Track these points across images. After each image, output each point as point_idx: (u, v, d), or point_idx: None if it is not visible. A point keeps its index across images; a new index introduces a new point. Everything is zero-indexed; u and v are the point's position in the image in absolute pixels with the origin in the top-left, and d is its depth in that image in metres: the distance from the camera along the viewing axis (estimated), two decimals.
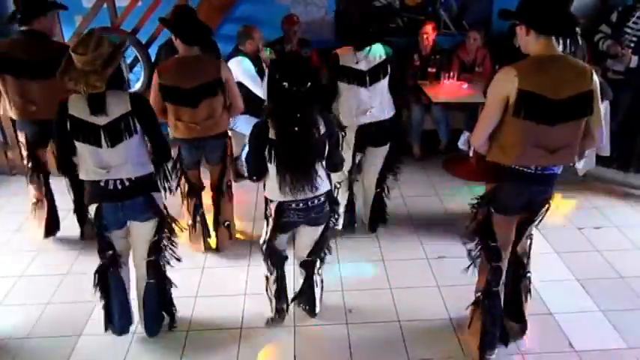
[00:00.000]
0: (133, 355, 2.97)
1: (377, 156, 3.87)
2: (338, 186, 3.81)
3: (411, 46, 5.32)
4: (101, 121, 2.54)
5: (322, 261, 3.11)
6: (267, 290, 3.11)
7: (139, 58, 4.75)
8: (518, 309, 2.98)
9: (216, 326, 3.15)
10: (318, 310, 3.20)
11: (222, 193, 3.76)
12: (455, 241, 3.74)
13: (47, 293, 3.43)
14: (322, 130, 2.62)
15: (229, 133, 3.83)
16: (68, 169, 2.77)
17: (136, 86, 4.74)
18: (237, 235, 4.04)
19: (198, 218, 3.77)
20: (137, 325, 3.12)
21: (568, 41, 3.16)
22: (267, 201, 2.81)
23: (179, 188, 3.71)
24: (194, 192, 3.70)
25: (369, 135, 3.72)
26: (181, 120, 3.40)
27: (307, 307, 3.20)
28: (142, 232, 2.83)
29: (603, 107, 4.47)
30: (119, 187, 2.65)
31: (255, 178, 2.77)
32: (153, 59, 4.76)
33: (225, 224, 3.85)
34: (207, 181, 3.82)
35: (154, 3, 4.75)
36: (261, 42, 4.47)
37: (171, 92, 3.35)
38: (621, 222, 4.18)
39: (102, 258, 2.85)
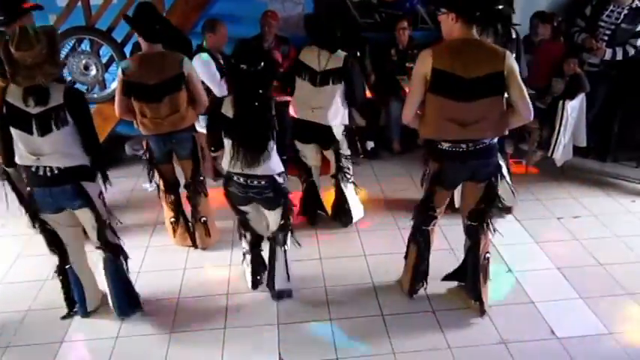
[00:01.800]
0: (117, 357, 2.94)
1: (328, 154, 3.96)
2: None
3: (389, 41, 5.33)
4: (34, 109, 2.66)
5: (284, 240, 3.22)
6: (243, 263, 3.39)
7: (115, 57, 4.68)
8: (476, 288, 3.09)
9: (199, 326, 3.12)
10: (277, 286, 3.26)
11: (195, 190, 3.75)
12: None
13: (27, 299, 3.37)
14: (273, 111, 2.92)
15: (198, 129, 3.81)
16: (12, 160, 2.84)
17: (113, 85, 4.66)
18: (215, 237, 3.97)
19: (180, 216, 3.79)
20: (120, 329, 3.09)
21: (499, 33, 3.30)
22: (216, 159, 3.12)
23: (157, 186, 3.78)
24: (170, 187, 3.72)
25: (312, 134, 3.81)
26: (146, 116, 3.44)
27: (269, 283, 3.31)
28: (83, 218, 2.97)
29: (579, 100, 4.58)
30: (48, 174, 2.77)
31: (213, 149, 3.13)
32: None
33: (202, 220, 3.82)
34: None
35: (129, 1, 4.68)
36: (224, 37, 4.42)
37: (135, 88, 3.38)
38: (599, 211, 4.24)
39: (52, 252, 3.02)
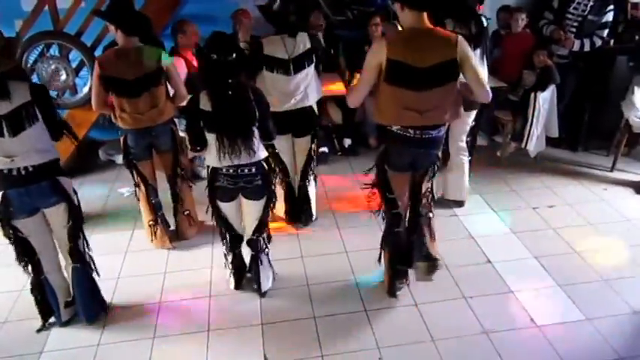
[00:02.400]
0: None
1: (300, 149, 3.93)
2: None
3: (362, 38, 5.35)
4: (2, 110, 2.62)
5: (266, 241, 3.32)
6: (225, 266, 3.39)
7: (85, 61, 4.60)
8: (423, 247, 3.16)
9: (182, 329, 3.09)
10: (264, 289, 3.30)
11: (178, 183, 3.77)
12: None
13: (3, 310, 3.30)
14: (251, 97, 2.94)
15: (181, 133, 3.78)
16: None
17: (84, 90, 4.59)
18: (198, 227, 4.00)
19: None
20: (102, 336, 3.05)
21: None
22: (192, 162, 3.11)
23: (135, 187, 3.74)
24: (149, 187, 3.69)
25: (290, 123, 3.75)
26: (125, 111, 3.42)
27: (255, 286, 3.32)
28: (55, 218, 2.93)
29: (550, 91, 4.66)
30: (23, 172, 2.73)
31: (198, 148, 3.04)
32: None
33: (186, 213, 3.86)
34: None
35: (98, 4, 4.60)
36: (195, 36, 4.40)
37: (113, 83, 3.36)
38: (573, 199, 4.33)
39: (23, 264, 2.93)
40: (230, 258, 3.36)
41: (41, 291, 3.04)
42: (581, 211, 4.16)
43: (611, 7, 4.68)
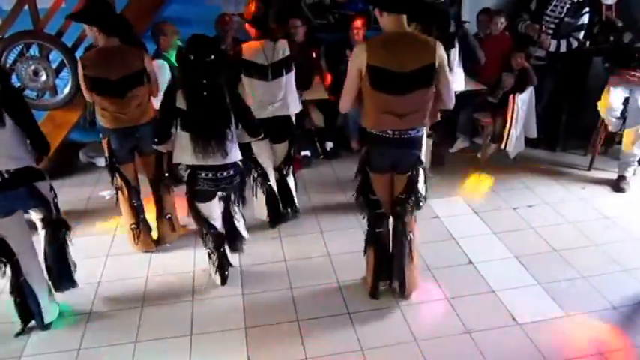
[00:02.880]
0: None
1: (275, 153, 3.96)
2: None
3: (343, 41, 5.36)
4: None
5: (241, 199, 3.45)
6: (210, 265, 3.47)
7: (65, 62, 4.55)
8: (400, 268, 3.18)
9: (165, 334, 3.07)
10: (238, 249, 3.51)
11: (160, 186, 3.76)
12: None
13: None
14: (227, 99, 3.01)
15: None
16: None
17: (65, 91, 4.53)
18: (180, 231, 3.98)
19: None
20: (83, 340, 3.02)
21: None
22: (177, 166, 3.21)
23: (116, 191, 3.70)
24: (132, 190, 3.66)
25: (268, 129, 3.67)
26: (107, 110, 3.41)
27: (232, 245, 3.49)
28: (35, 216, 3.02)
29: (528, 93, 4.73)
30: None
31: (156, 140, 3.14)
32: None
33: (167, 217, 3.84)
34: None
35: (79, 4, 4.55)
36: (175, 35, 4.39)
37: (97, 83, 3.34)
38: (551, 199, 4.40)
39: (2, 267, 2.89)
40: (215, 256, 3.40)
41: (21, 293, 2.97)
42: (560, 210, 4.23)
43: (587, 9, 4.77)
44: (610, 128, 4.73)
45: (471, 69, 3.78)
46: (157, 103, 3.54)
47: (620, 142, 4.72)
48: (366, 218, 3.20)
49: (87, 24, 3.43)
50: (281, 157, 3.97)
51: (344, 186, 4.64)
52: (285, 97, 3.73)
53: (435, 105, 2.96)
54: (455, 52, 3.60)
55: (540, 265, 3.53)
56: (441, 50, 2.78)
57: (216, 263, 3.42)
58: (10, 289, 2.98)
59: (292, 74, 3.74)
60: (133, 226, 3.74)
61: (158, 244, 3.87)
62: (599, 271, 3.45)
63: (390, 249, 3.20)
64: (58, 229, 3.08)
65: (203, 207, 3.28)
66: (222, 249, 3.43)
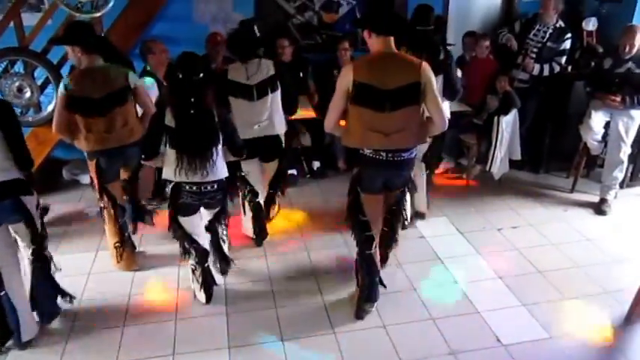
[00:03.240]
0: None
1: (265, 171, 3.97)
2: None
3: (331, 62, 5.41)
4: None
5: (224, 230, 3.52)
6: (193, 281, 3.44)
7: (50, 79, 4.52)
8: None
9: (147, 354, 3.01)
10: (223, 271, 3.51)
11: (135, 178, 3.77)
12: None
13: None
14: (216, 118, 3.06)
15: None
16: None
17: (49, 108, 4.50)
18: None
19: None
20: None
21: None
22: (165, 183, 3.19)
23: (100, 209, 3.65)
24: (118, 208, 3.61)
25: (257, 149, 3.73)
26: (92, 131, 3.35)
27: (219, 266, 3.49)
28: (20, 231, 2.94)
29: (512, 115, 4.80)
30: None
31: (144, 157, 3.19)
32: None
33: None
34: None
35: (65, 21, 4.55)
36: (164, 54, 4.39)
37: (81, 103, 3.29)
38: (535, 220, 4.44)
39: None
40: (198, 272, 3.37)
41: (0, 308, 2.91)
42: (543, 231, 4.27)
43: (569, 35, 4.88)
44: (592, 151, 4.81)
45: (448, 97, 3.83)
46: None
47: (601, 166, 4.80)
48: (355, 240, 3.21)
49: (68, 45, 3.41)
50: (272, 173, 3.98)
51: (330, 205, 4.65)
52: (272, 117, 3.73)
53: (426, 128, 3.00)
54: (440, 79, 3.66)
55: (525, 287, 3.55)
56: (427, 71, 2.84)
57: (200, 280, 3.39)
58: None
59: (278, 93, 3.74)
60: (117, 244, 3.69)
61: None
62: (582, 292, 3.48)
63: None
64: (41, 260, 3.04)
65: (186, 221, 3.28)
66: (206, 265, 3.40)
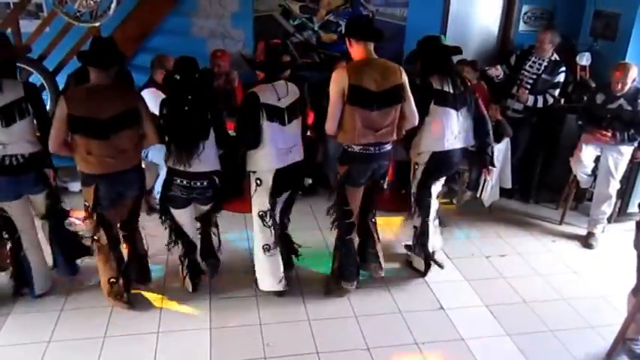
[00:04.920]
0: None
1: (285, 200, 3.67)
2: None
3: (326, 80, 5.41)
4: None
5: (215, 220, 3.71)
6: (180, 270, 3.64)
7: (45, 85, 4.52)
8: (372, 249, 3.80)
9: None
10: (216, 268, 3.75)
11: (135, 228, 3.56)
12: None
13: None
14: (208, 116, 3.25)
15: (153, 159, 3.73)
16: None
17: None
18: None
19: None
20: None
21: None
22: (150, 195, 3.40)
23: (94, 240, 3.40)
24: (113, 240, 3.38)
25: (289, 179, 3.47)
26: (92, 154, 3.10)
27: (206, 263, 3.70)
28: (37, 201, 3.40)
29: (504, 144, 4.84)
30: (14, 163, 3.14)
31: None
32: (62, 88, 4.55)
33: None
34: None
35: (62, 29, 4.57)
36: None
37: (83, 124, 3.05)
38: (523, 249, 4.46)
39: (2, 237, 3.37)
40: (186, 263, 3.59)
41: (19, 265, 3.41)
42: (531, 261, 4.28)
43: (564, 68, 4.95)
44: (581, 184, 4.85)
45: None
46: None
47: (590, 199, 4.83)
48: (337, 227, 3.59)
49: (92, 67, 3.14)
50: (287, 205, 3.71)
51: (321, 222, 4.64)
52: (298, 143, 3.47)
53: (400, 123, 3.40)
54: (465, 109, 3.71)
55: (510, 316, 3.54)
56: (404, 75, 3.31)
57: (186, 270, 3.59)
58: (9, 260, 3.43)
59: (301, 118, 3.47)
60: (112, 280, 3.40)
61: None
62: (566, 325, 3.48)
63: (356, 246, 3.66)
64: (61, 219, 3.57)
65: (176, 213, 3.45)
66: (193, 257, 3.59)
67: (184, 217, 3.48)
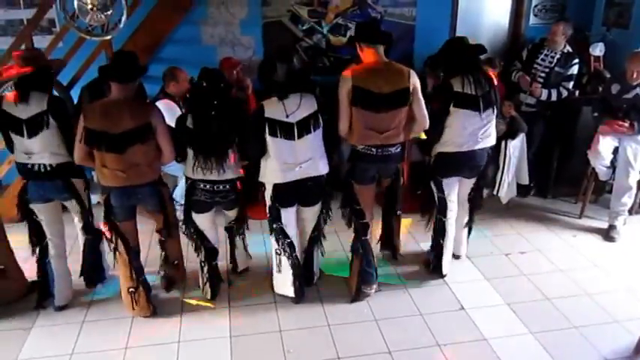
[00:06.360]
0: None
1: (307, 217, 3.64)
2: None
3: (337, 84, 5.43)
4: (23, 115, 3.18)
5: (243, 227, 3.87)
6: (200, 277, 3.68)
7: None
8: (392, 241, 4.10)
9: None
10: (240, 267, 3.95)
11: (167, 233, 3.64)
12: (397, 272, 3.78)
13: None
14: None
15: (168, 171, 3.74)
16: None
17: None
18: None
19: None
20: None
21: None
22: (186, 180, 3.48)
23: (114, 249, 3.42)
24: (130, 251, 3.39)
25: (297, 193, 3.46)
26: (106, 167, 3.18)
27: (232, 265, 3.95)
28: (71, 206, 3.50)
29: (519, 140, 4.79)
30: (42, 170, 3.27)
31: (179, 159, 3.43)
32: (75, 101, 4.60)
33: (175, 263, 3.78)
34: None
35: (75, 44, 4.62)
36: (186, 82, 4.42)
37: (97, 137, 3.11)
38: (542, 246, 4.40)
39: (32, 242, 3.47)
40: (206, 269, 3.61)
41: (43, 272, 3.51)
42: (552, 257, 4.22)
43: (576, 60, 4.88)
44: (600, 177, 4.77)
45: None
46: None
47: (610, 192, 4.76)
48: (353, 228, 3.63)
49: (113, 82, 3.19)
50: (312, 221, 3.64)
51: (337, 227, 4.61)
52: (315, 156, 3.38)
53: (409, 126, 3.44)
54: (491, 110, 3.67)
55: (532, 314, 3.50)
56: (414, 78, 3.33)
57: (206, 276, 3.62)
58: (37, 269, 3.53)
59: (320, 130, 3.38)
60: (131, 289, 3.43)
61: (168, 289, 3.80)
62: (590, 321, 3.42)
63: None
64: (95, 236, 3.65)
65: (199, 218, 3.52)
66: (214, 263, 3.65)
67: (206, 222, 3.56)
